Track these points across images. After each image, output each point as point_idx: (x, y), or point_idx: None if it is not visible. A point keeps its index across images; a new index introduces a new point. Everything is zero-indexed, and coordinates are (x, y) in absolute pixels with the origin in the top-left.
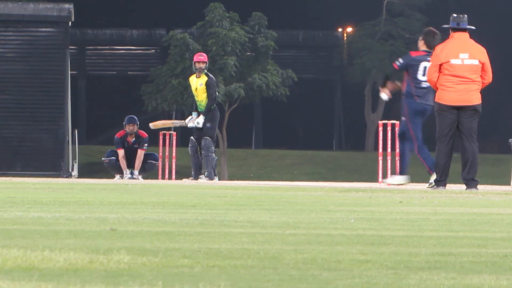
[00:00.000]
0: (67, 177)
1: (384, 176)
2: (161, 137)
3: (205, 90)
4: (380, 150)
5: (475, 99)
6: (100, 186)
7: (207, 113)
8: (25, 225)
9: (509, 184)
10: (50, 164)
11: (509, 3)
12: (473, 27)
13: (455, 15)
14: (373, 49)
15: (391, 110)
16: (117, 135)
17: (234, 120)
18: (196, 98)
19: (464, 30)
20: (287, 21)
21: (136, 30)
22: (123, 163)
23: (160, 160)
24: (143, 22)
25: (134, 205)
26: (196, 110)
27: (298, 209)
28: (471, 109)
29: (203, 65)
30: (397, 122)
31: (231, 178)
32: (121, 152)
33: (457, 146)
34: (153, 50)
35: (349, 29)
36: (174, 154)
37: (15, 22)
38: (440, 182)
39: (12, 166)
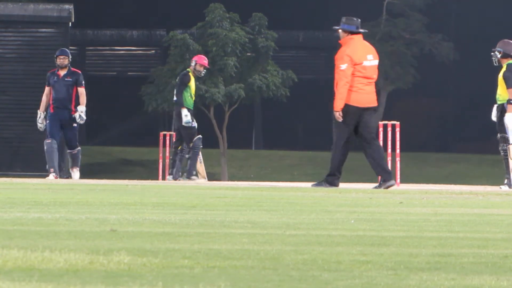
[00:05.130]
0: (67, 178)
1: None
2: (161, 138)
3: None
4: None
5: (376, 100)
6: (100, 186)
7: None
8: (25, 226)
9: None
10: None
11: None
12: (366, 30)
13: (353, 18)
14: None
15: (391, 111)
16: (49, 72)
17: (234, 121)
18: (192, 97)
19: (360, 33)
20: (287, 21)
21: (136, 30)
22: (44, 102)
23: (160, 160)
24: (143, 23)
25: (134, 205)
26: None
27: (298, 209)
28: (373, 109)
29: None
30: (397, 123)
31: (231, 179)
32: (46, 89)
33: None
34: (153, 51)
35: None
36: None
37: (15, 22)
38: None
39: (12, 166)
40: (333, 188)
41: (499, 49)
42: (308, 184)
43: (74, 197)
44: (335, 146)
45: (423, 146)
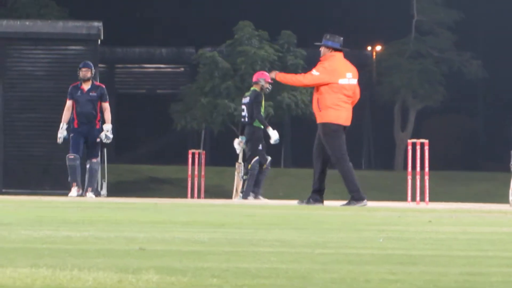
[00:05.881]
0: (96, 195)
1: (413, 196)
2: (190, 156)
3: None
4: (410, 169)
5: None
6: (129, 205)
7: None
8: (54, 244)
9: None
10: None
11: None
12: (348, 49)
13: (336, 35)
14: (403, 68)
15: (420, 129)
16: (71, 85)
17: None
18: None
19: (342, 51)
20: (316, 39)
21: (165, 48)
22: (66, 115)
23: (189, 178)
24: (172, 40)
25: (163, 224)
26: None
27: (327, 228)
28: (348, 127)
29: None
30: (426, 141)
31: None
32: (68, 103)
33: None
34: (182, 69)
35: (379, 48)
36: (203, 173)
37: (44, 40)
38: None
39: (41, 185)
40: (363, 205)
41: None
42: (336, 203)
43: (103, 215)
44: (339, 162)
45: (452, 164)
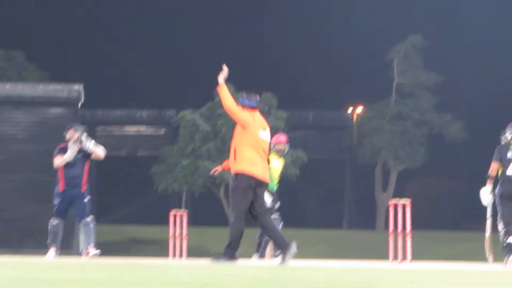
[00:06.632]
0: (78, 255)
1: (395, 255)
2: (171, 216)
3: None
4: (391, 229)
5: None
6: (112, 265)
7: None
8: None
9: None
10: (61, 243)
11: None
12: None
13: (253, 94)
14: (384, 130)
15: (401, 190)
16: (58, 146)
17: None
18: (273, 180)
19: (257, 108)
20: (297, 101)
21: (146, 110)
22: (69, 153)
23: (170, 239)
24: (153, 103)
25: (146, 284)
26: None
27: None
28: (265, 185)
29: (284, 146)
30: (407, 202)
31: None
32: (61, 155)
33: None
34: (163, 130)
35: (359, 109)
36: (184, 234)
37: (25, 103)
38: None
39: (24, 245)
40: (234, 262)
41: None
42: (321, 263)
43: (86, 275)
44: (236, 217)
45: (435, 224)
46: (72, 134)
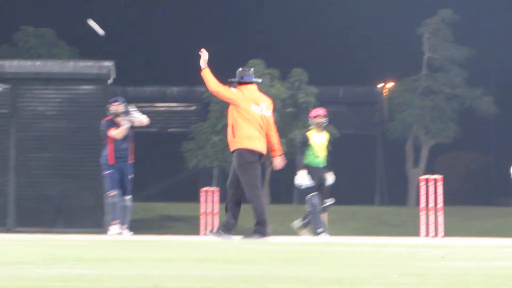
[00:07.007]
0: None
1: (427, 231)
2: (202, 193)
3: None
4: (422, 205)
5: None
6: (143, 242)
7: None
8: (68, 282)
9: None
10: (92, 221)
11: None
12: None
13: (245, 69)
14: (414, 105)
15: (432, 165)
16: (103, 120)
17: (276, 176)
18: (316, 154)
19: (251, 83)
20: (328, 77)
21: (177, 87)
22: (126, 125)
23: (201, 216)
24: (184, 79)
25: (177, 261)
26: (302, 168)
27: (341, 264)
28: (262, 158)
29: (323, 120)
30: (439, 177)
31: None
32: (114, 128)
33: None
34: (194, 107)
35: (390, 85)
36: (216, 211)
37: (55, 80)
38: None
39: (54, 224)
40: (265, 239)
41: None
42: (351, 239)
43: (117, 253)
44: (252, 193)
45: (466, 200)
46: (117, 107)
